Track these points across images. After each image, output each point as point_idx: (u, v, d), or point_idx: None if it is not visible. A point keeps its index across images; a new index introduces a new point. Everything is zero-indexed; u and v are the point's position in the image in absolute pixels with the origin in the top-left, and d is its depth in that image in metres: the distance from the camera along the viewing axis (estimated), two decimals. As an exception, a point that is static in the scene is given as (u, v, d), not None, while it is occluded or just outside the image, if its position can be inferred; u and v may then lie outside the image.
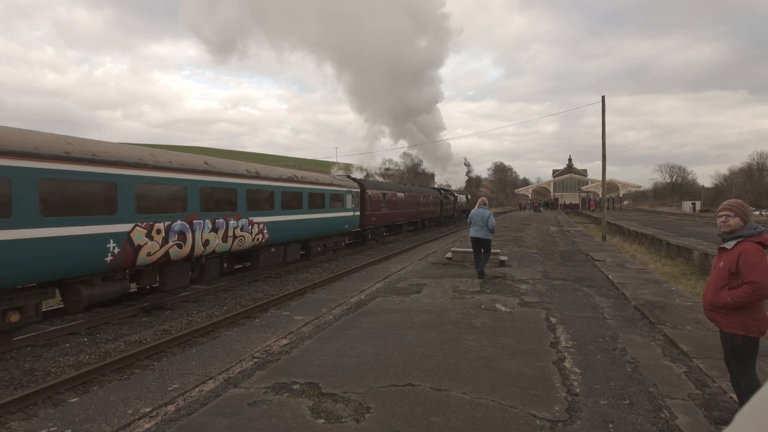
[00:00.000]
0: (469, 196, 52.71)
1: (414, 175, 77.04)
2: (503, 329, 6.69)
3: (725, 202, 4.00)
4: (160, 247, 9.44)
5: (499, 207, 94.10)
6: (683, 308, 7.89)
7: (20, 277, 7.04)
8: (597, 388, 4.60)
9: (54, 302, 9.74)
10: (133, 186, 8.81)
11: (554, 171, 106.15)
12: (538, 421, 3.91)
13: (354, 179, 21.98)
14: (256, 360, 5.68)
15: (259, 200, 12.89)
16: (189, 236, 10.19)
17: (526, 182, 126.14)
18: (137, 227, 8.87)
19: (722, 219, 3.89)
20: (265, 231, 12.98)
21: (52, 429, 4.63)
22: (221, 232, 11.22)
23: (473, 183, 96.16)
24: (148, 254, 9.15)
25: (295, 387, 4.68)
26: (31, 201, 7.03)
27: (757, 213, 61.19)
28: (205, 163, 11.15)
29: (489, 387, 4.62)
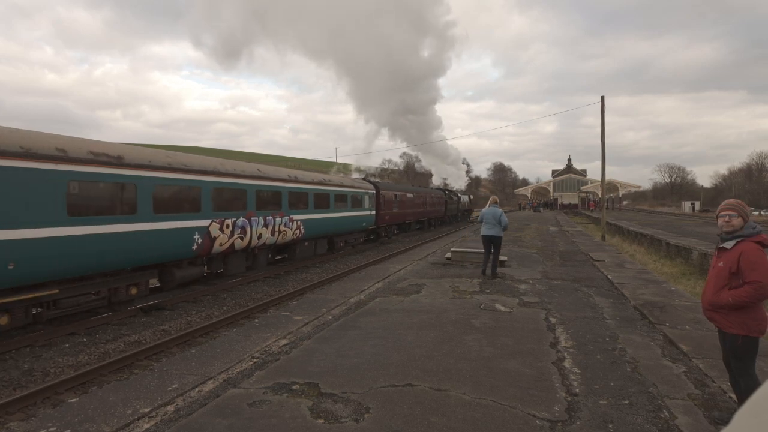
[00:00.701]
0: (472, 197, 53.85)
1: (414, 174, 77.13)
2: (503, 329, 6.69)
3: (726, 202, 4.00)
4: (228, 239, 11.64)
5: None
6: (683, 308, 7.89)
7: (140, 259, 9.22)
8: (596, 388, 4.60)
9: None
10: (211, 189, 10.98)
11: (554, 171, 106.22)
12: (537, 421, 3.91)
13: (370, 181, 23.94)
14: (255, 360, 5.67)
15: (298, 201, 15.12)
16: (248, 230, 12.39)
17: (525, 182, 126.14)
18: (213, 222, 11.03)
19: (725, 219, 3.88)
20: (301, 227, 15.24)
21: (51, 429, 4.62)
22: (270, 228, 13.41)
23: (473, 183, 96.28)
24: (220, 244, 11.36)
25: (294, 387, 4.68)
26: (148, 201, 9.18)
27: (757, 213, 61.22)
28: (258, 170, 13.38)
29: (488, 387, 4.62)
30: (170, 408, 4.48)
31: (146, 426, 4.11)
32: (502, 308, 8.00)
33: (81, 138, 8.56)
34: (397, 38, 44.67)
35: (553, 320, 7.22)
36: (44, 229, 7.29)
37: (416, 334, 6.46)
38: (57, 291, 7.76)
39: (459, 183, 53.25)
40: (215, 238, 11.07)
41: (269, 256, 14.48)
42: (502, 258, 13.33)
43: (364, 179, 24.53)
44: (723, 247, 3.93)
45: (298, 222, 14.96)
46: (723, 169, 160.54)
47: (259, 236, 12.87)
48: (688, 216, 55.30)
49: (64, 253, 7.58)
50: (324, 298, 10.59)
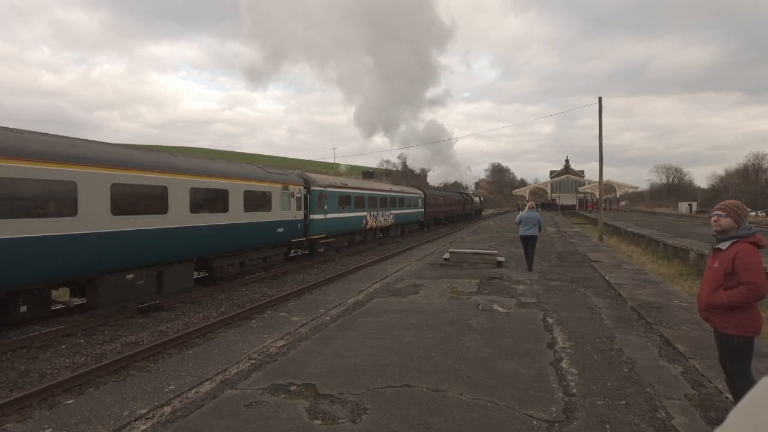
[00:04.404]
0: (482, 198, 61.87)
1: (412, 176, 77.29)
2: (500, 330, 6.70)
3: (721, 203, 4.01)
4: (371, 222, 22.95)
5: (497, 208, 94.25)
6: (680, 309, 7.91)
7: (349, 228, 20.32)
8: (594, 389, 4.61)
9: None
10: (368, 197, 22.28)
11: (551, 172, 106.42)
12: (535, 422, 3.91)
13: (419, 188, 35.36)
14: (252, 361, 5.67)
15: (392, 202, 26.13)
16: (378, 218, 23.85)
17: (523, 183, 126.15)
18: (368, 213, 22.28)
19: (714, 218, 3.92)
20: (393, 218, 26.29)
21: (48, 431, 4.60)
22: (383, 217, 24.69)
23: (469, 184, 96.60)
24: (369, 225, 22.61)
25: (291, 388, 4.67)
26: (353, 202, 20.43)
27: (753, 214, 61.35)
28: (379, 185, 26.90)
29: (486, 388, 4.62)
30: (167, 409, 4.47)
31: (143, 427, 4.10)
32: (500, 309, 8.00)
33: (333, 176, 22.49)
34: (404, 64, 48.15)
35: (550, 321, 7.23)
36: (334, 214, 18.42)
37: (414, 334, 6.46)
38: (333, 239, 18.57)
39: (451, 178, 54.89)
40: (368, 221, 22.40)
41: (380, 234, 25.63)
42: (499, 259, 13.49)
43: (414, 186, 35.90)
44: (718, 247, 3.94)
45: (392, 215, 26.13)
46: (719, 170, 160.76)
47: (380, 222, 24.16)
48: (685, 217, 55.45)
49: (336, 223, 18.58)
50: (322, 299, 10.58)
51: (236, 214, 12.09)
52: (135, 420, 4.36)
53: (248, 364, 5.58)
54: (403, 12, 51.89)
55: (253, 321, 9.02)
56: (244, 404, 4.32)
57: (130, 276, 9.18)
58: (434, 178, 53.74)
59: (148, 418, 4.32)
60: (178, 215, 10.10)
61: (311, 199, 16.58)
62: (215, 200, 11.45)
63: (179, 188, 10.18)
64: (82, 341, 7.87)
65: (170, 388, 5.60)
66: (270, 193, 13.89)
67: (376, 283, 11.15)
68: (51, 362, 6.87)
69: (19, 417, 5.13)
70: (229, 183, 11.90)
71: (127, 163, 9.03)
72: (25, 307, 7.66)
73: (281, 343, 6.40)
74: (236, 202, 12.14)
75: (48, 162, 7.51)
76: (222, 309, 10.19)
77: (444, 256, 14.48)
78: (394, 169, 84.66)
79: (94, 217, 8.24)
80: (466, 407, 4.19)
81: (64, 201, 7.80)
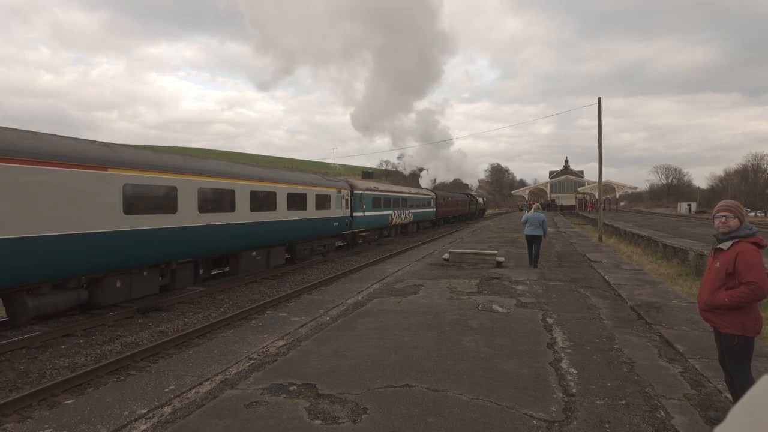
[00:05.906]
0: (485, 199, 65.66)
1: (412, 176, 77.45)
2: (500, 330, 6.70)
3: (722, 203, 4.01)
4: (396, 219, 26.81)
5: (496, 208, 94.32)
6: (679, 309, 7.92)
7: (379, 224, 24.45)
8: (593, 389, 4.61)
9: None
10: (392, 199, 26.15)
11: (551, 172, 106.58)
12: (534, 422, 3.92)
13: (430, 190, 39.26)
14: (252, 361, 5.67)
15: (409, 203, 29.72)
16: (400, 216, 27.56)
17: (523, 183, 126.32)
18: (393, 212, 26.32)
19: (722, 220, 3.90)
20: (411, 217, 30.19)
21: (48, 431, 4.60)
22: (404, 216, 28.40)
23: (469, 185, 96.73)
24: (393, 222, 26.55)
25: (291, 388, 4.67)
26: (382, 203, 24.63)
27: (752, 214, 61.39)
28: (401, 188, 30.14)
29: (486, 388, 4.63)
30: (167, 409, 4.47)
31: (143, 427, 4.10)
32: (500, 309, 8.01)
33: (368, 181, 29.63)
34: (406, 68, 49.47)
35: (550, 321, 7.23)
36: (370, 212, 22.77)
37: (414, 334, 6.47)
38: (368, 233, 23.22)
39: (449, 177, 55.41)
40: (393, 219, 26.01)
41: (399, 230, 29.34)
42: (499, 259, 13.50)
43: (427, 189, 39.85)
44: (719, 247, 3.95)
45: (411, 213, 30.15)
46: (719, 171, 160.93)
47: (401, 220, 27.92)
48: (684, 217, 55.50)
49: (371, 220, 22.99)
50: (321, 299, 10.58)
51: (311, 212, 16.57)
52: (135, 420, 4.37)
53: (248, 364, 5.58)
54: (407, 22, 52.86)
55: (253, 321, 9.02)
56: (245, 404, 4.32)
57: (254, 253, 13.51)
58: (429, 180, 53.31)
59: (148, 418, 4.32)
60: (281, 212, 14.50)
61: (354, 201, 20.95)
62: (300, 202, 15.73)
63: (281, 193, 14.64)
64: (81, 341, 7.87)
65: (170, 388, 5.60)
66: (330, 195, 18.33)
67: (375, 283, 11.15)
68: (51, 362, 6.86)
69: (19, 417, 5.13)
70: (307, 189, 16.33)
71: (257, 176, 13.50)
72: (202, 270, 11.77)
73: (281, 343, 6.40)
74: (311, 203, 16.58)
75: (223, 177, 11.86)
76: (222, 309, 10.18)
77: (444, 257, 14.49)
78: (394, 169, 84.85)
79: (242, 211, 12.50)
80: (466, 407, 4.20)
81: (228, 201, 11.99)
